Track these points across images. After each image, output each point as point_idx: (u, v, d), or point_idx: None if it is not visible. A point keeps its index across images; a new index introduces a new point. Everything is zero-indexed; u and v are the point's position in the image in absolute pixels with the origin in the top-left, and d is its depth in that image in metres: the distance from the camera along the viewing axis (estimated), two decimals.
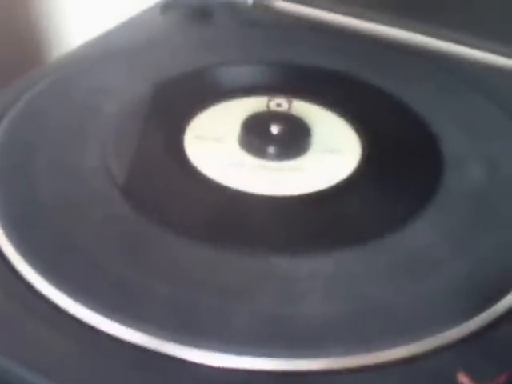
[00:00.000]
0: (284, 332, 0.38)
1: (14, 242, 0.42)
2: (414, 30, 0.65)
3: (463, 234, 0.44)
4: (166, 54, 0.61)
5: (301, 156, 0.50)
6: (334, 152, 0.50)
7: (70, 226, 0.43)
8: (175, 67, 0.58)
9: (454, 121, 0.54)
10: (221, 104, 0.54)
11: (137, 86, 0.55)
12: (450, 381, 0.34)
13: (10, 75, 0.56)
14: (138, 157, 0.49)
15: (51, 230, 0.43)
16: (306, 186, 0.47)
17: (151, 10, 0.70)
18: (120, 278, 0.40)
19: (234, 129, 0.51)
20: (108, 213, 0.44)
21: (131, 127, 0.51)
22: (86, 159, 0.48)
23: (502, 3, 0.62)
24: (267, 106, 0.54)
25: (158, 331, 0.37)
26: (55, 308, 0.39)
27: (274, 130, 0.50)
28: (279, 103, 0.54)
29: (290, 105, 0.54)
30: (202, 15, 0.68)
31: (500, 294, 0.40)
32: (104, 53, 0.61)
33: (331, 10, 0.69)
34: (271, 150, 0.49)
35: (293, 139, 0.50)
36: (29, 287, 0.40)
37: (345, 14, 0.68)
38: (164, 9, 0.69)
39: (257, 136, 0.50)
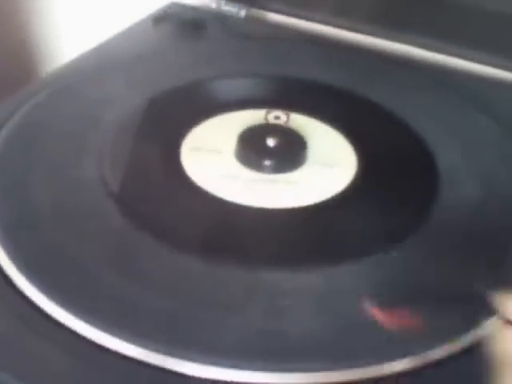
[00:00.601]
0: (273, 346, 0.38)
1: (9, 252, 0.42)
2: (410, 44, 0.66)
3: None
4: (161, 66, 0.61)
5: (296, 169, 0.50)
6: (329, 166, 0.50)
7: (67, 239, 0.43)
8: (169, 80, 0.58)
9: (450, 136, 0.54)
10: (216, 117, 0.54)
11: (133, 99, 0.55)
12: None
13: (2, 89, 0.56)
14: (135, 169, 0.49)
15: (48, 243, 0.43)
16: (301, 199, 0.47)
17: (143, 23, 0.70)
18: (114, 291, 0.40)
19: (229, 142, 0.51)
20: (104, 226, 0.44)
21: (128, 140, 0.51)
22: (83, 171, 0.48)
23: (497, 17, 0.62)
24: (264, 118, 0.54)
25: (152, 344, 0.37)
26: (52, 322, 0.38)
27: (270, 143, 0.50)
28: (275, 116, 0.54)
29: (286, 118, 0.54)
30: (195, 28, 0.68)
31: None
32: (99, 66, 0.61)
33: (324, 22, 0.69)
34: (267, 163, 0.49)
35: (289, 152, 0.50)
36: (28, 302, 0.39)
37: (338, 27, 0.69)
38: (156, 21, 0.69)
39: (253, 149, 0.50)
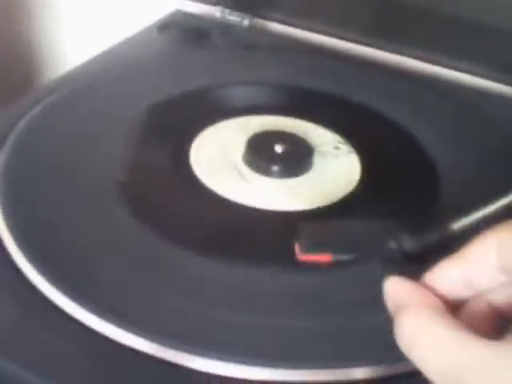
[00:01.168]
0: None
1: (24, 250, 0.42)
2: (411, 56, 0.67)
3: None
4: (165, 74, 0.62)
5: (303, 174, 0.51)
6: (334, 172, 0.52)
7: (79, 239, 0.44)
8: (173, 87, 0.59)
9: (452, 147, 0.55)
10: (223, 122, 0.56)
11: (137, 105, 0.56)
12: None
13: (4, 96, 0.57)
14: (145, 173, 0.50)
15: (61, 241, 0.44)
16: (307, 202, 0.48)
17: (148, 30, 0.71)
18: (123, 285, 0.41)
19: (237, 147, 0.52)
20: (113, 222, 0.46)
21: (136, 146, 0.52)
22: (92, 172, 0.49)
23: (496, 31, 0.63)
24: (271, 125, 0.55)
25: (164, 340, 0.38)
26: (62, 314, 0.40)
27: (278, 149, 0.51)
28: (282, 123, 0.55)
29: (293, 125, 0.55)
30: (199, 36, 0.69)
31: None
32: (103, 72, 0.62)
33: (325, 33, 0.71)
34: (274, 168, 0.50)
35: (295, 158, 0.52)
36: (39, 295, 0.41)
37: (338, 37, 0.70)
38: (161, 29, 0.70)
39: (260, 154, 0.51)
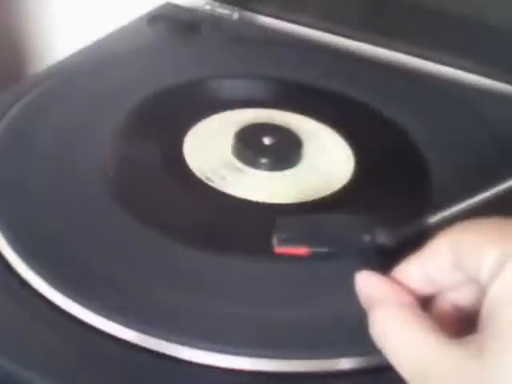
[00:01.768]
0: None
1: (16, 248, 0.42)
2: (402, 51, 0.67)
3: None
4: (154, 65, 0.62)
5: (292, 167, 0.51)
6: (325, 166, 0.52)
7: (70, 230, 0.44)
8: (163, 79, 0.59)
9: (446, 145, 0.55)
10: (214, 115, 0.56)
11: (128, 97, 0.56)
12: None
13: None
14: (138, 165, 0.50)
15: (50, 233, 0.44)
16: (295, 195, 0.49)
17: (138, 21, 0.71)
18: (114, 279, 0.41)
19: (228, 139, 0.52)
20: (105, 217, 0.45)
21: (129, 138, 0.52)
22: (84, 164, 0.49)
23: (494, 30, 0.64)
24: (261, 118, 0.55)
25: (151, 329, 0.38)
26: (55, 309, 0.40)
27: (267, 141, 0.51)
28: (271, 115, 0.55)
29: (281, 117, 0.55)
30: (189, 28, 0.69)
31: None
32: (93, 63, 0.62)
33: (314, 27, 0.71)
34: (263, 160, 0.50)
35: (285, 151, 0.52)
36: (31, 290, 0.41)
37: (328, 31, 0.70)
38: (151, 21, 0.70)
39: (249, 147, 0.51)
